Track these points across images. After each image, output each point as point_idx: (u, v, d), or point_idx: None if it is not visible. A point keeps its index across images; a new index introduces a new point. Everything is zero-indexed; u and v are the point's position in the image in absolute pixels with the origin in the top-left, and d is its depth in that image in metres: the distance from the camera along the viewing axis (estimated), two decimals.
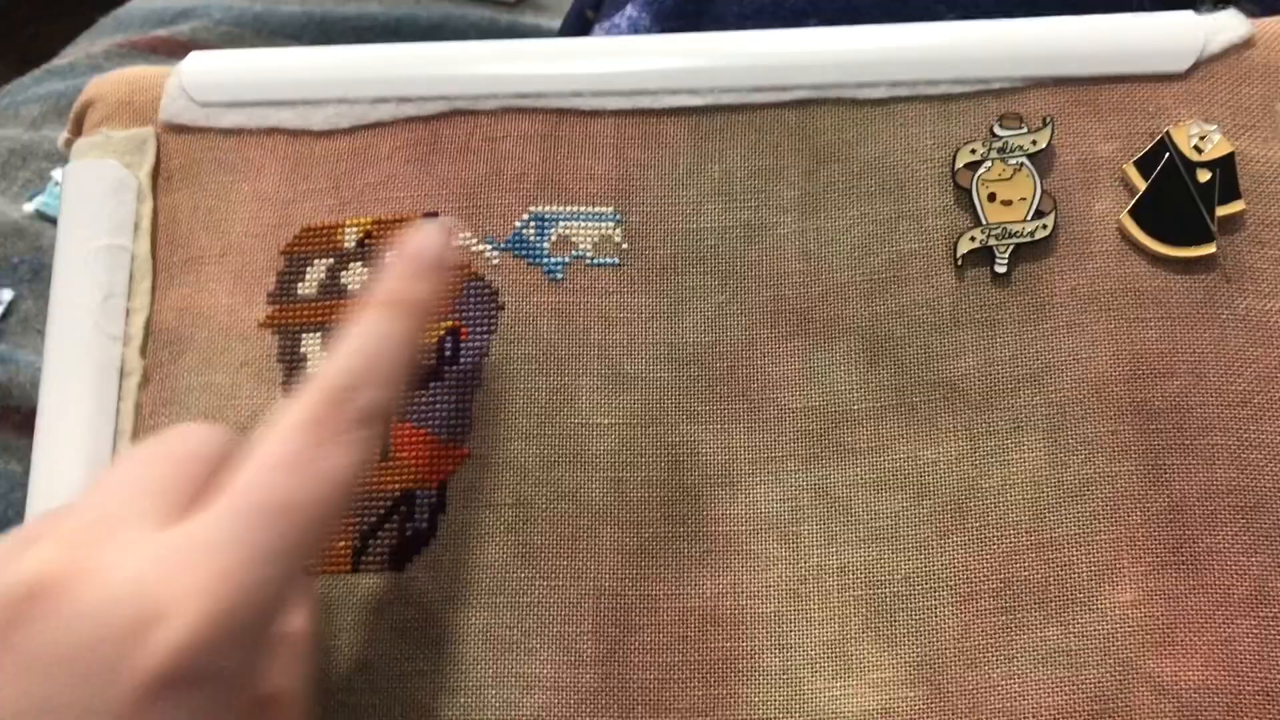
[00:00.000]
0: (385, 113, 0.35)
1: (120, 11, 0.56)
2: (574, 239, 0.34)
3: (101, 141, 0.36)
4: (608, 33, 0.40)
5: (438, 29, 0.51)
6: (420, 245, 0.30)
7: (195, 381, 0.34)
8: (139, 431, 0.34)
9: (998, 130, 0.33)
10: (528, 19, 0.52)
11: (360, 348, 0.28)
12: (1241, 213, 0.32)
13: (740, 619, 0.31)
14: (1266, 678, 0.30)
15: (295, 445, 0.26)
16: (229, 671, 0.24)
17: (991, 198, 0.32)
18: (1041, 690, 0.30)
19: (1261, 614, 0.30)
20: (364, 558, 0.33)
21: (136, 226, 0.35)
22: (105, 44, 0.53)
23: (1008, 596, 0.31)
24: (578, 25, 0.43)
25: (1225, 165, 0.32)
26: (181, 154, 0.36)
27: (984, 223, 0.32)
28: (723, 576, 0.32)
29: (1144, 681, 0.30)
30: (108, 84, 0.37)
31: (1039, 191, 0.32)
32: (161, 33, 0.52)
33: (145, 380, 0.34)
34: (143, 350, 0.35)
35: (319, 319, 0.35)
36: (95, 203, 0.35)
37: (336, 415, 0.27)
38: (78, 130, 0.37)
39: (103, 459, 0.33)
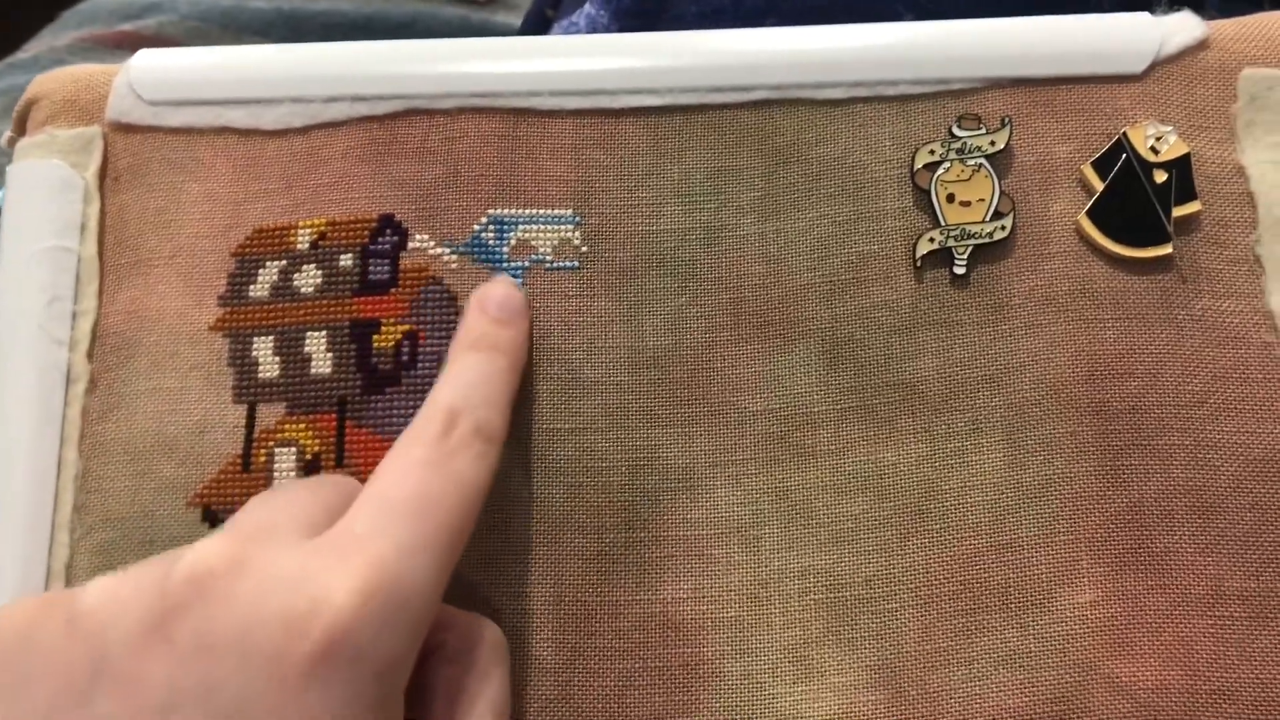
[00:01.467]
0: (339, 112, 0.35)
1: (85, 5, 0.55)
2: (533, 242, 0.34)
3: (46, 141, 0.35)
4: (566, 31, 0.40)
5: (408, 27, 0.51)
6: (503, 296, 0.32)
7: (144, 386, 0.34)
8: (85, 438, 0.33)
9: (956, 131, 0.33)
10: (500, 17, 0.52)
11: (459, 378, 0.30)
12: (1197, 214, 0.32)
13: (701, 624, 0.31)
14: (1223, 677, 0.30)
15: (428, 451, 0.28)
16: (384, 657, 0.25)
17: (950, 199, 0.32)
18: (1002, 692, 0.30)
19: (1217, 613, 0.30)
20: None
21: (83, 228, 0.34)
22: (70, 38, 0.52)
23: (968, 599, 0.31)
24: (537, 24, 0.43)
25: (1181, 166, 0.32)
26: (129, 153, 0.35)
27: (943, 224, 0.32)
28: (683, 582, 0.31)
29: (1103, 682, 0.30)
30: (52, 82, 0.36)
31: (997, 192, 0.32)
32: (127, 27, 0.51)
33: (92, 385, 0.34)
34: (89, 355, 0.34)
35: (271, 322, 0.34)
36: (40, 204, 0.34)
37: (454, 431, 0.29)
38: (21, 129, 0.36)
39: (48, 467, 0.33)
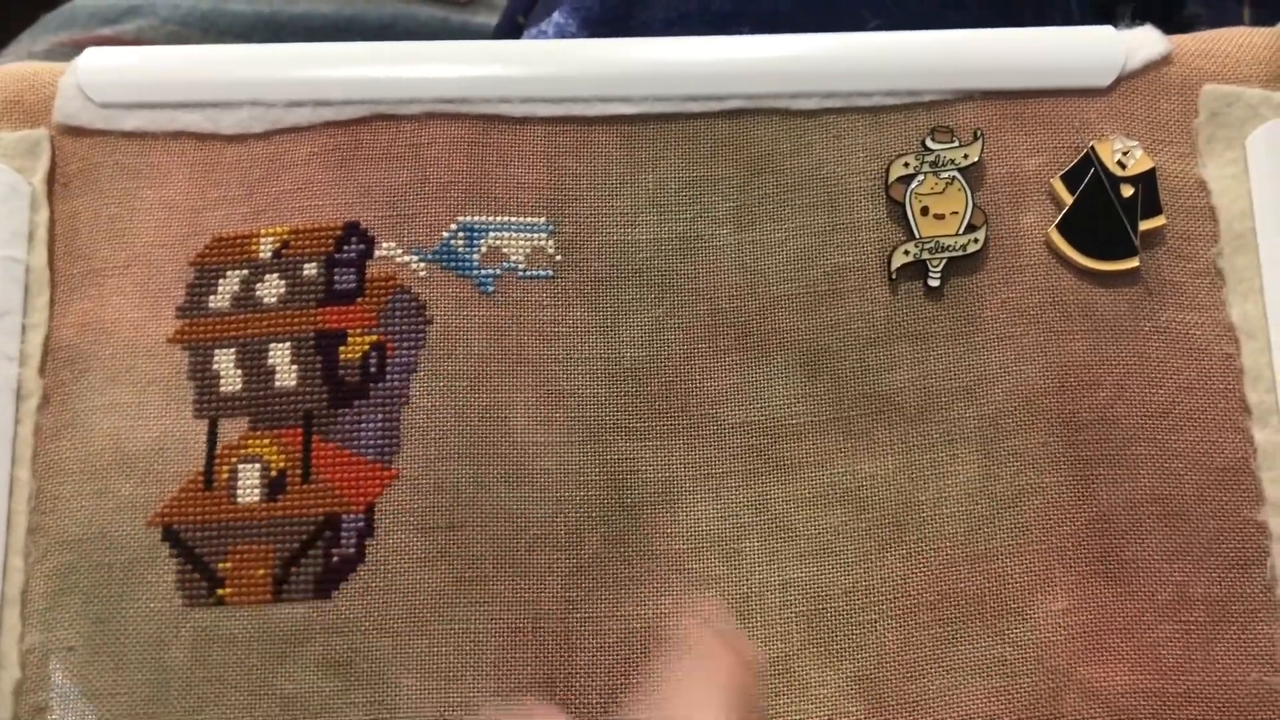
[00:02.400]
0: (302, 116, 0.34)
1: (64, 8, 0.53)
2: (505, 250, 0.33)
3: None
4: (536, 39, 0.39)
5: (388, 29, 0.50)
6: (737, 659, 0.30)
7: (99, 402, 0.32)
8: (39, 456, 0.32)
9: (930, 144, 0.33)
10: (480, 19, 0.51)
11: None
12: (1162, 227, 0.33)
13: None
14: (1189, 679, 0.31)
15: None
16: None
17: (924, 211, 0.33)
18: (979, 700, 0.31)
19: (1182, 618, 0.31)
20: (286, 586, 0.31)
21: (31, 236, 0.33)
22: (48, 42, 0.50)
23: (945, 609, 0.31)
24: (509, 32, 0.42)
25: (1147, 180, 0.33)
26: (79, 158, 0.33)
27: (917, 236, 0.33)
28: (665, 596, 0.31)
29: (1076, 688, 0.31)
30: None
31: (970, 205, 0.33)
32: (106, 31, 0.49)
33: (45, 402, 0.32)
34: (41, 369, 0.32)
35: (232, 333, 0.33)
36: None
37: None
38: None
39: (0, 488, 0.31)
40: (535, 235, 0.33)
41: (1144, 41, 0.34)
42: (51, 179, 0.33)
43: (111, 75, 0.34)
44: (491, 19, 0.51)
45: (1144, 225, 0.33)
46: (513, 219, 0.33)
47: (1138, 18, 0.35)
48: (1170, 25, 0.35)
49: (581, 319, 0.33)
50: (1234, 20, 0.44)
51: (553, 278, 0.33)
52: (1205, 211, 0.33)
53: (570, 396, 0.32)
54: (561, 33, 0.39)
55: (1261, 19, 0.45)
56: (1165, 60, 0.34)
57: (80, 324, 0.33)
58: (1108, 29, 0.34)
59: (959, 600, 0.31)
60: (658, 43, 0.34)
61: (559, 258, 0.33)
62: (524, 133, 0.33)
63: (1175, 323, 0.32)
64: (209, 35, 0.49)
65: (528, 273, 0.33)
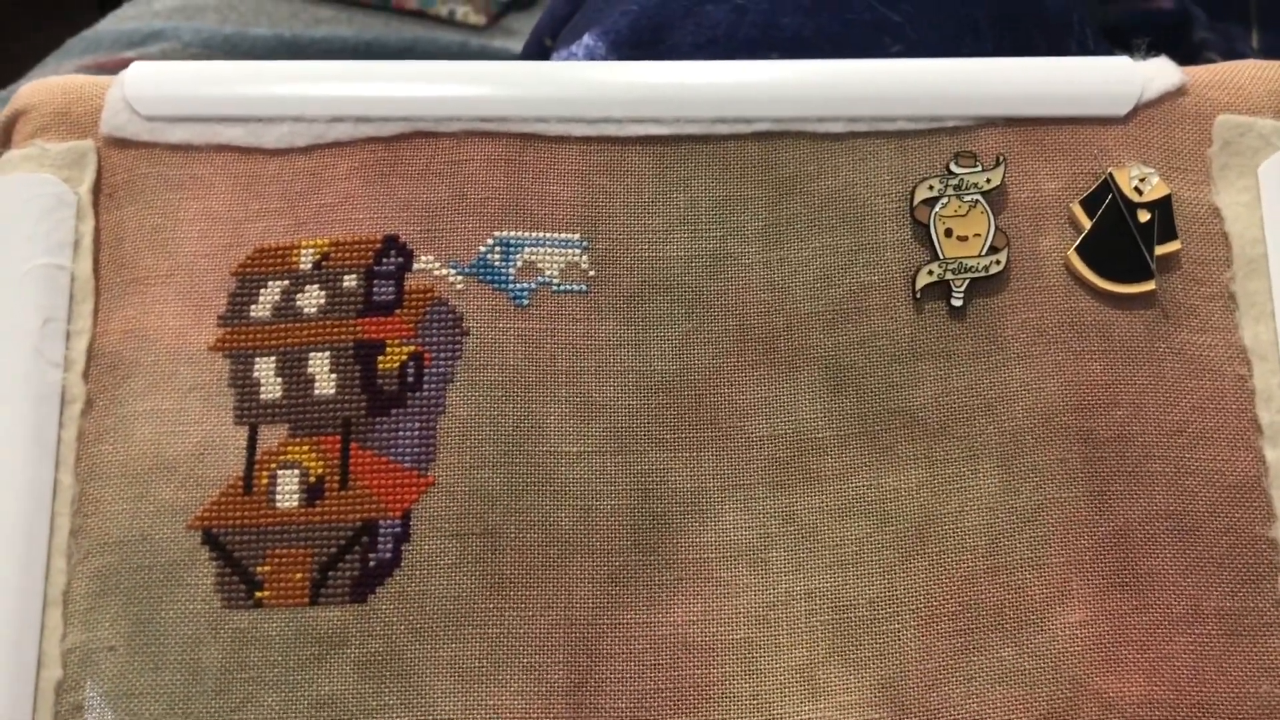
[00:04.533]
0: (342, 132, 0.35)
1: (89, 33, 0.54)
2: (540, 265, 0.34)
3: (36, 154, 0.34)
4: (565, 60, 0.40)
5: (408, 51, 0.51)
6: None
7: (141, 408, 0.33)
8: (82, 460, 0.32)
9: (954, 168, 0.34)
10: (498, 43, 0.52)
11: None
12: (1178, 252, 0.34)
13: (711, 646, 0.32)
14: (1202, 691, 0.32)
15: None
16: None
17: (948, 233, 0.34)
18: (998, 709, 0.31)
19: (1196, 631, 0.32)
20: (323, 590, 0.32)
21: (77, 245, 0.34)
22: (73, 65, 0.51)
23: (966, 619, 0.32)
24: (536, 54, 0.43)
25: (1163, 207, 0.34)
26: (125, 169, 0.34)
27: (941, 257, 0.34)
28: (693, 604, 0.32)
29: (1092, 698, 0.31)
30: (42, 92, 0.35)
31: (993, 228, 0.34)
32: (130, 55, 0.50)
33: (88, 407, 0.33)
34: (85, 375, 0.33)
35: (273, 342, 0.34)
36: (31, 220, 0.33)
37: None
38: (7, 141, 0.35)
39: (43, 491, 0.32)
40: (570, 251, 0.34)
41: (1160, 72, 0.35)
42: (98, 189, 0.34)
43: (158, 89, 0.34)
44: (509, 44, 0.52)
45: (1160, 250, 0.34)
46: (548, 235, 0.34)
47: (1153, 49, 0.36)
48: (1180, 50, 0.36)
49: (614, 332, 0.33)
50: (1242, 43, 0.46)
51: (586, 292, 0.34)
52: (1219, 237, 0.34)
53: (602, 408, 0.33)
54: (591, 55, 0.40)
55: (1269, 41, 0.46)
56: (1180, 91, 0.35)
57: (124, 331, 0.33)
58: (1125, 60, 0.35)
59: (979, 611, 0.32)
60: (690, 66, 0.35)
61: (592, 273, 0.34)
62: (559, 151, 0.34)
63: (1190, 344, 0.33)
64: (230, 58, 0.50)
65: (562, 287, 0.34)
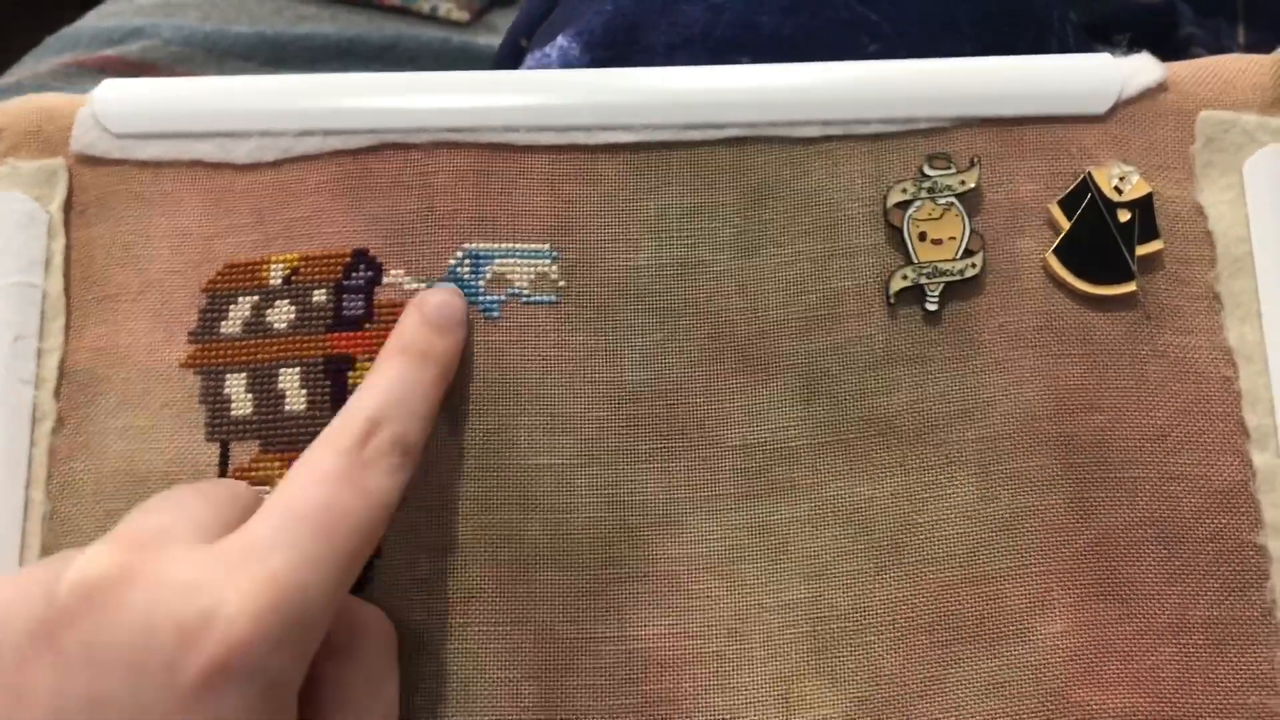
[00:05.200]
0: (311, 145, 0.34)
1: (68, 30, 0.54)
2: (510, 277, 0.34)
3: (8, 173, 0.34)
4: (539, 62, 0.40)
5: (390, 49, 0.50)
6: (442, 301, 0.32)
7: (113, 424, 0.33)
8: (54, 478, 0.33)
9: (927, 170, 0.33)
10: (481, 39, 0.52)
11: (384, 386, 0.30)
12: (1159, 252, 0.33)
13: (683, 660, 0.31)
14: (1188, 702, 0.31)
15: (340, 462, 0.28)
16: (278, 672, 0.25)
17: (922, 237, 0.33)
18: None
19: (1181, 642, 0.31)
20: None
21: (48, 263, 0.34)
22: (52, 63, 0.51)
23: (944, 630, 0.31)
24: (511, 53, 0.43)
25: (1144, 206, 0.33)
26: (96, 187, 0.34)
27: (915, 261, 0.33)
28: (665, 617, 0.32)
29: (1073, 710, 0.31)
30: (14, 112, 0.35)
31: (968, 230, 0.33)
32: (110, 53, 0.50)
33: (60, 424, 0.33)
34: (56, 393, 0.33)
35: (244, 358, 0.34)
36: (2, 238, 0.33)
37: (371, 441, 0.28)
38: None
39: (15, 509, 0.32)
40: (539, 261, 0.34)
41: (1140, 69, 0.34)
42: (69, 207, 0.34)
43: (128, 106, 0.34)
44: (492, 40, 0.52)
45: (1141, 250, 0.33)
46: (517, 246, 0.34)
47: (1134, 44, 0.35)
48: (1167, 46, 0.36)
49: (584, 343, 0.33)
50: (1229, 38, 0.45)
51: (556, 303, 0.33)
52: (1202, 236, 0.33)
53: (573, 419, 0.33)
54: (565, 55, 0.39)
55: (1256, 37, 0.45)
56: (1161, 87, 0.34)
57: (95, 348, 0.33)
58: (1104, 56, 0.35)
59: (958, 622, 0.31)
60: (659, 72, 0.35)
61: (562, 283, 0.34)
62: (528, 161, 0.34)
63: (1173, 346, 0.33)
64: (211, 56, 0.50)
65: (532, 298, 0.34)
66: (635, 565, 0.32)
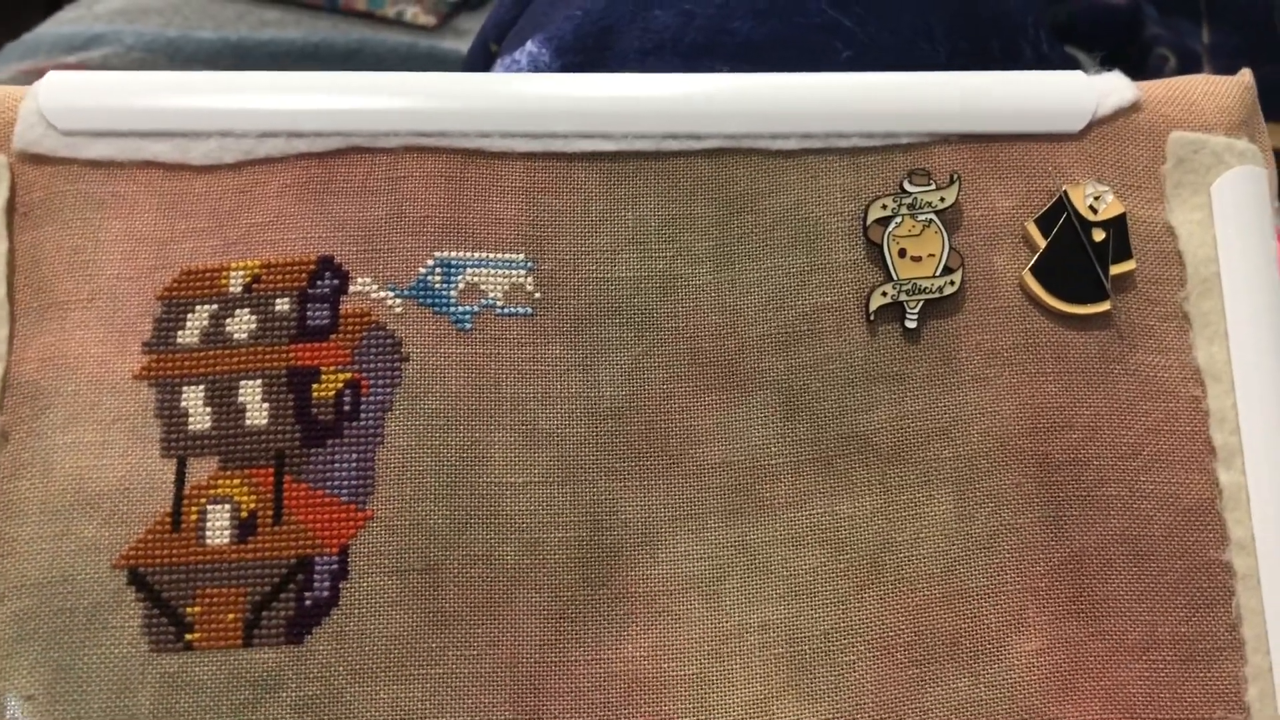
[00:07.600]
0: (274, 148, 0.33)
1: (29, 37, 0.51)
2: (483, 287, 0.33)
3: None
4: (508, 68, 0.39)
5: (355, 54, 0.49)
6: None
7: (61, 440, 0.31)
8: None
9: (907, 186, 0.33)
10: (448, 43, 0.50)
11: None
12: (1132, 271, 0.33)
13: (662, 681, 0.31)
14: (1156, 718, 0.31)
15: None
16: None
17: (902, 253, 0.33)
18: None
19: (1150, 658, 0.32)
20: (257, 630, 0.31)
21: None
22: (12, 70, 0.49)
23: (921, 649, 0.31)
24: (481, 57, 0.41)
25: (1118, 225, 0.33)
26: (41, 187, 0.32)
27: (895, 278, 0.33)
28: (643, 638, 0.31)
29: None
30: None
31: (947, 248, 0.33)
32: (71, 59, 0.48)
33: (4, 440, 0.31)
34: (0, 407, 0.31)
35: (201, 370, 0.32)
36: None
37: None
38: None
39: None
40: (514, 272, 0.33)
41: (1114, 88, 0.35)
42: (11, 208, 0.32)
43: (75, 101, 0.33)
44: (458, 45, 0.51)
45: (1115, 269, 0.33)
46: (491, 255, 0.33)
47: (1104, 44, 0.36)
48: (1132, 45, 0.36)
49: (561, 357, 0.32)
50: (1192, 38, 0.45)
51: (531, 315, 0.33)
52: (1173, 256, 0.34)
53: (549, 436, 0.32)
54: (534, 60, 0.38)
55: (1220, 37, 0.46)
56: (1134, 107, 0.35)
57: (41, 359, 0.32)
58: (1079, 75, 0.35)
59: (935, 641, 0.31)
60: (638, 80, 0.34)
61: (538, 295, 0.33)
62: (503, 168, 0.33)
63: (1145, 365, 0.33)
64: (175, 62, 0.48)
65: (506, 310, 0.33)
66: (614, 586, 0.31)
